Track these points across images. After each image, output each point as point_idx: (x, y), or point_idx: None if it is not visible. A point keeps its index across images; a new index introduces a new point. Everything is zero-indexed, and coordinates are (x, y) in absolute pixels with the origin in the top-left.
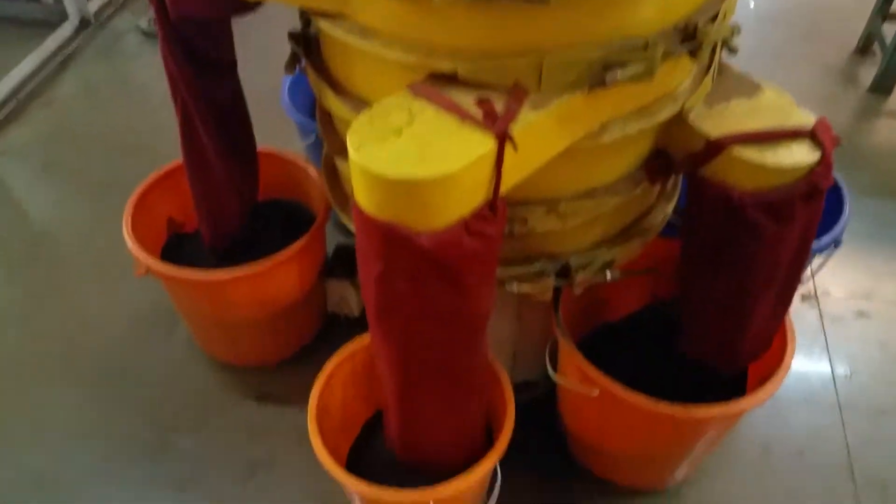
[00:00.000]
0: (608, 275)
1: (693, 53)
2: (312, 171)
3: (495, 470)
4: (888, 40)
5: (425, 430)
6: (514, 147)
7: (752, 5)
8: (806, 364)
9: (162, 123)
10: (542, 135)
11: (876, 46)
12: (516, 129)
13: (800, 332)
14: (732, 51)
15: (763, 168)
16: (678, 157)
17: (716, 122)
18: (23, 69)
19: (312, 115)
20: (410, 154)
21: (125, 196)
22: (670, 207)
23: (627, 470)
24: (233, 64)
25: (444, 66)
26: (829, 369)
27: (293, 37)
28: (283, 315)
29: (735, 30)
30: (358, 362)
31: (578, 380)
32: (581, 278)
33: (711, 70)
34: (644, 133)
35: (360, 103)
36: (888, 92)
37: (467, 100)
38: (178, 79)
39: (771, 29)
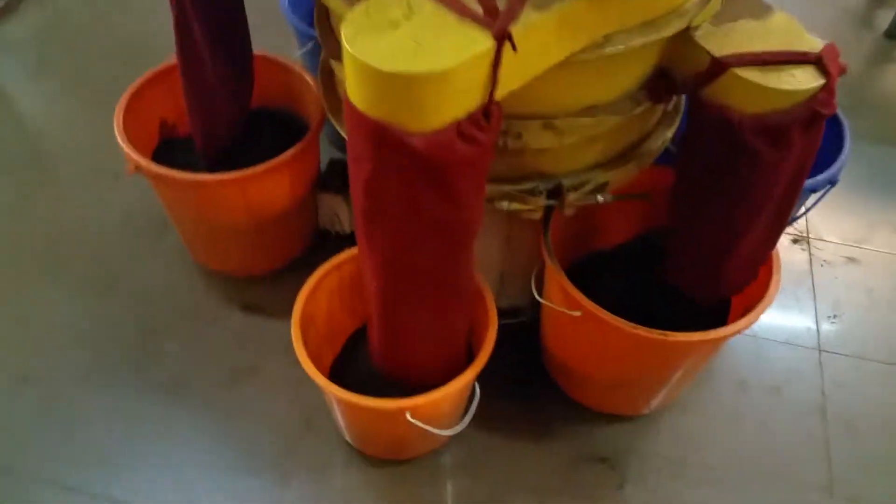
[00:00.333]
0: (599, 197)
1: None
2: (309, 78)
3: (474, 388)
4: None
5: (407, 342)
6: (514, 47)
7: None
8: (791, 305)
9: (160, 24)
10: (542, 38)
11: None
12: (516, 29)
13: (788, 274)
14: None
15: (765, 90)
16: (681, 78)
17: (721, 42)
18: None
19: (311, 23)
20: (406, 48)
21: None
22: (670, 133)
23: (604, 395)
24: None
25: None
26: (813, 312)
27: None
28: (272, 225)
29: None
30: (345, 273)
31: (560, 301)
32: (572, 198)
33: None
34: (648, 49)
35: None
36: None
37: None
38: None
39: None
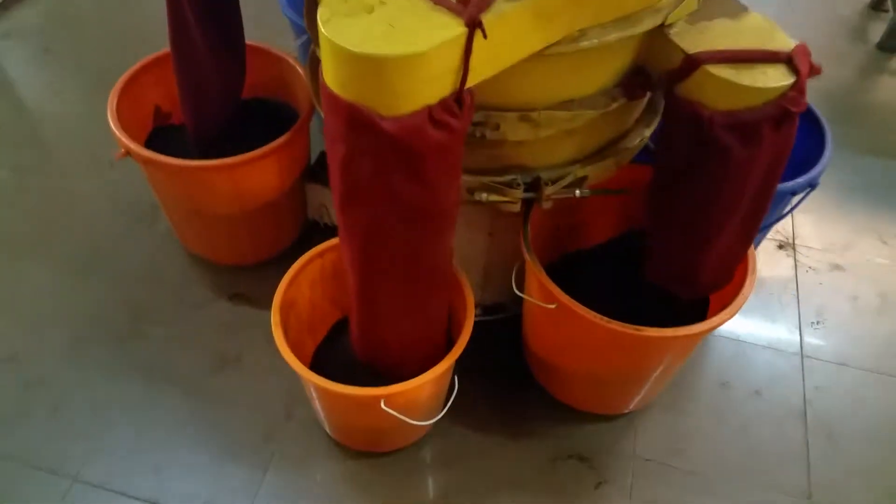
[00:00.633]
0: (577, 192)
1: None
2: (301, 69)
3: (453, 380)
4: None
5: (384, 329)
6: (484, 34)
7: None
8: (775, 310)
9: (164, 13)
10: (515, 28)
11: (889, 3)
12: (488, 18)
13: (772, 280)
14: None
15: (735, 87)
16: (656, 75)
17: (695, 39)
18: None
19: None
20: (379, 31)
21: None
22: (648, 132)
23: (583, 393)
24: None
25: None
26: (796, 318)
27: None
28: (260, 214)
29: None
30: (328, 262)
31: (538, 294)
32: (550, 191)
33: None
34: (624, 44)
35: None
36: (895, 50)
37: None
38: None
39: None
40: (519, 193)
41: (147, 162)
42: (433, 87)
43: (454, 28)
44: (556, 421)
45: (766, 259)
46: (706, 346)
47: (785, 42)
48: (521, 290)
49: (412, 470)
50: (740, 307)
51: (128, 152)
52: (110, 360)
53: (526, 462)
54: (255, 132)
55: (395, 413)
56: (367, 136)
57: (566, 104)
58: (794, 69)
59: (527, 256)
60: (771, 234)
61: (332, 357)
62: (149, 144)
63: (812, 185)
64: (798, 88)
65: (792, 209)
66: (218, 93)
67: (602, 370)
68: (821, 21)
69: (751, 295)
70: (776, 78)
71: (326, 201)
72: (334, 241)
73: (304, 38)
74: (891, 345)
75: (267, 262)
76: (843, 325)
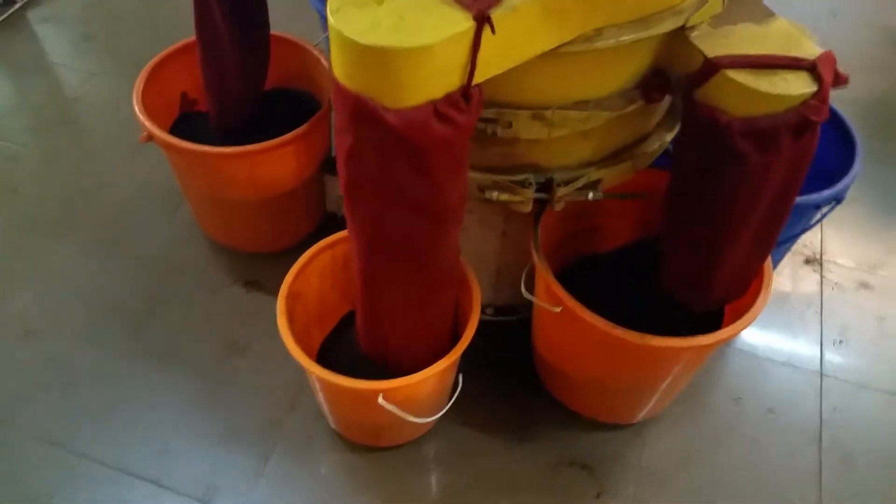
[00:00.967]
0: (591, 194)
1: None
2: (325, 60)
3: (457, 378)
4: None
5: (389, 324)
6: (492, 30)
7: None
8: (796, 326)
9: None
10: (526, 25)
11: None
12: (498, 13)
13: (796, 295)
14: None
15: (754, 93)
16: (675, 78)
17: (716, 43)
18: None
19: None
20: (386, 23)
21: None
22: (669, 137)
23: (589, 400)
24: None
25: None
26: (818, 336)
27: None
28: (277, 203)
29: None
30: (338, 253)
31: (544, 297)
32: (562, 193)
33: None
34: (641, 45)
35: None
36: None
37: None
38: None
39: None
40: (530, 193)
41: (167, 147)
42: (439, 81)
43: (463, 22)
44: (562, 426)
45: (792, 273)
46: (721, 359)
47: (811, 49)
48: (532, 293)
49: (413, 467)
50: (751, 321)
51: (150, 136)
52: (125, 340)
53: (527, 466)
54: (278, 122)
55: (393, 408)
56: (371, 128)
57: (581, 104)
58: (817, 77)
59: (535, 257)
60: (798, 247)
61: (338, 349)
62: (174, 130)
63: (838, 199)
64: (820, 97)
65: (816, 223)
66: (241, 83)
67: (608, 378)
68: (866, 31)
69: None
70: (798, 85)
71: None
72: (344, 232)
73: None
74: None
75: (285, 251)
76: (866, 346)
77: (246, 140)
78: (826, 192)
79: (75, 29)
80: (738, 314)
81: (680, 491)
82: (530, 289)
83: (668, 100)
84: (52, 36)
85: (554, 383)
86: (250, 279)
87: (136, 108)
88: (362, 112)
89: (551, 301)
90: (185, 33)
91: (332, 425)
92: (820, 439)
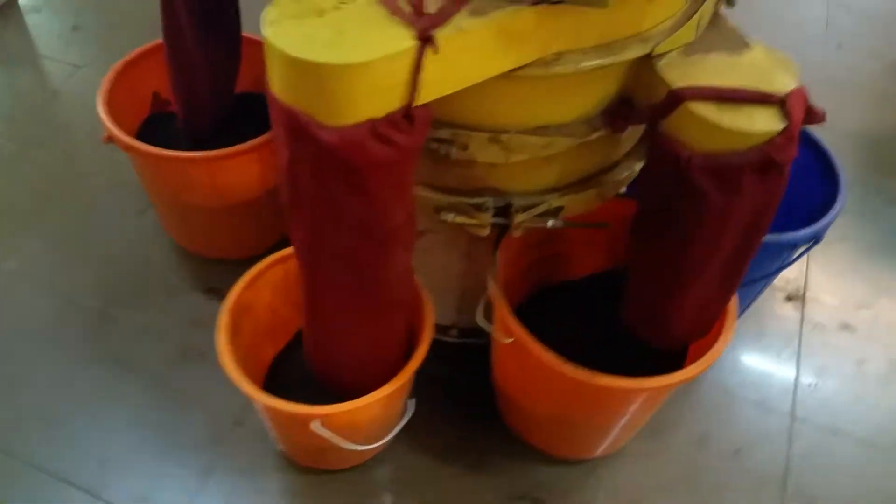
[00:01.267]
0: (550, 222)
1: None
2: None
3: (407, 404)
4: None
5: (334, 345)
6: (435, 50)
7: None
8: (771, 365)
9: None
10: (478, 46)
11: None
12: (444, 33)
13: (774, 333)
14: (730, 2)
15: (717, 128)
16: (642, 108)
17: (684, 73)
18: None
19: None
20: (322, 37)
21: None
22: (639, 167)
23: (544, 434)
24: None
25: None
26: (793, 377)
27: None
28: (242, 210)
29: None
30: (292, 267)
31: (499, 326)
32: (520, 219)
33: (696, 18)
34: (606, 72)
35: None
36: None
37: None
38: None
39: (843, 15)
40: (487, 218)
41: (127, 148)
42: (379, 99)
43: (404, 40)
44: (517, 458)
45: (772, 309)
46: (690, 395)
47: (783, 83)
48: (490, 320)
49: (359, 492)
50: (707, 366)
51: (110, 138)
52: (79, 341)
53: (477, 498)
54: (251, 126)
55: (329, 435)
56: (306, 145)
57: (541, 130)
58: (786, 114)
59: (490, 284)
60: (781, 282)
61: (291, 365)
62: (143, 129)
63: (817, 239)
64: (787, 136)
65: (794, 261)
66: (209, 85)
67: (561, 413)
68: (873, 64)
69: (746, 345)
70: (763, 122)
71: None
72: None
73: None
74: (893, 417)
75: (250, 259)
76: (843, 390)
77: (216, 144)
78: (804, 231)
79: (66, 20)
80: (703, 353)
81: None
82: (490, 316)
83: (640, 128)
84: (42, 26)
85: (509, 414)
86: (212, 286)
87: (100, 108)
88: (295, 127)
89: (504, 331)
90: None
91: (276, 444)
92: (785, 485)
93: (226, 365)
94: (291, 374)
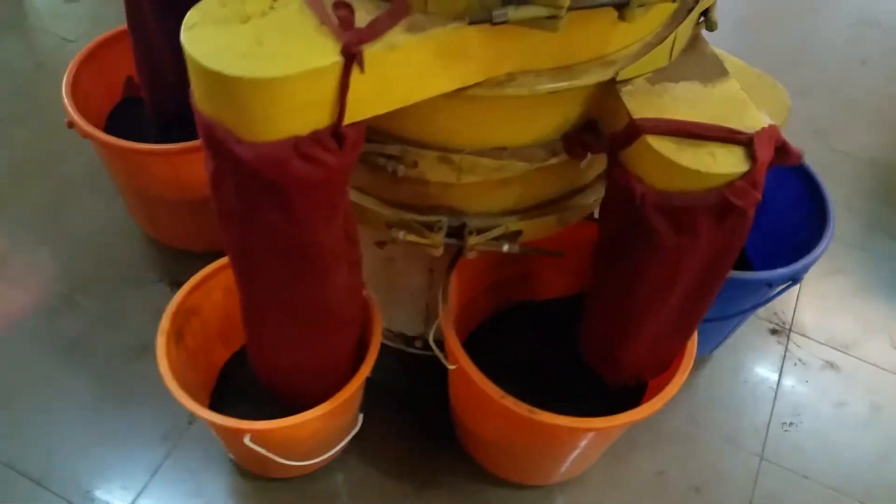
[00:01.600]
0: (506, 246)
1: (620, 10)
2: None
3: (357, 417)
4: None
5: (275, 358)
6: (361, 69)
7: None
8: (745, 401)
9: None
10: (413, 65)
11: None
12: (374, 50)
13: (753, 367)
14: (710, 26)
15: (673, 166)
16: (605, 135)
17: (648, 102)
18: None
19: None
20: (241, 47)
21: None
22: None
23: (496, 459)
24: None
25: None
26: (767, 415)
27: None
28: (205, 204)
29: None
30: None
31: (448, 349)
32: (474, 242)
33: (670, 42)
34: (566, 95)
35: None
36: None
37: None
38: None
39: (870, 30)
40: (439, 239)
41: (87, 136)
42: (302, 116)
43: (329, 55)
44: (468, 479)
45: (754, 342)
46: (656, 424)
47: (754, 120)
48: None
49: (304, 502)
50: (654, 410)
51: (71, 124)
52: (39, 327)
53: None
54: None
55: (262, 450)
56: (225, 159)
57: (496, 152)
58: (751, 155)
59: (440, 307)
60: (766, 314)
61: (243, 370)
62: (115, 113)
63: (794, 280)
64: (750, 179)
65: (771, 299)
66: (174, 74)
67: (508, 443)
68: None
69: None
70: (726, 163)
71: None
72: None
73: None
74: (868, 465)
75: (218, 252)
76: (818, 433)
77: (186, 133)
78: (781, 271)
79: None
80: (660, 388)
81: None
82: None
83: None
84: None
85: (462, 435)
86: (178, 279)
87: (64, 92)
88: (213, 139)
89: (449, 356)
90: None
91: (223, 447)
92: None
93: (161, 368)
94: (246, 378)
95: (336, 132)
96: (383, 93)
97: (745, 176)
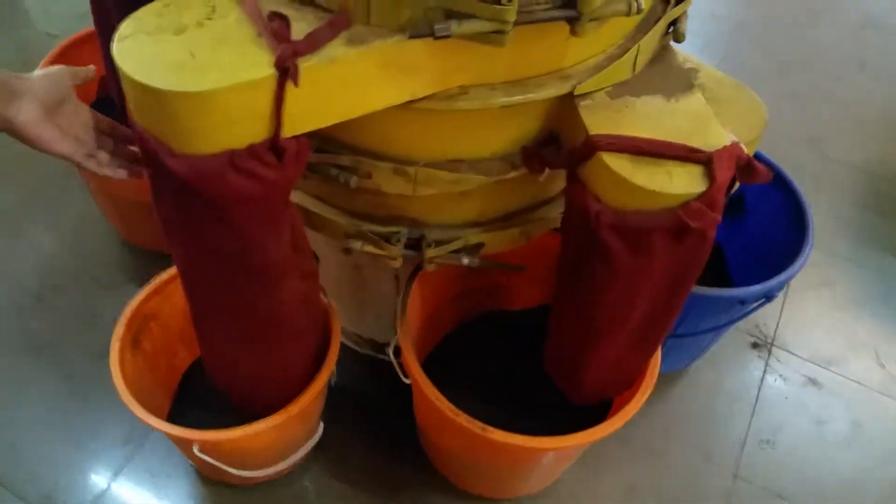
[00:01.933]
0: (465, 259)
1: (571, 24)
2: None
3: (319, 423)
4: None
5: (228, 368)
6: (295, 83)
7: None
8: (723, 417)
9: None
10: (355, 78)
11: None
12: (310, 64)
13: (731, 383)
14: (678, 38)
15: (629, 185)
16: (565, 150)
17: (606, 118)
18: None
19: None
20: (171, 59)
21: None
22: None
23: (457, 471)
24: None
25: None
26: (744, 432)
27: None
28: None
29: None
30: None
31: (403, 362)
32: (432, 254)
33: (632, 55)
34: (523, 109)
35: None
36: None
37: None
38: None
39: (871, 32)
40: (397, 251)
41: None
42: (236, 130)
43: (262, 69)
44: (435, 492)
45: (733, 357)
46: (628, 439)
47: (717, 138)
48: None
49: None
50: (612, 430)
51: None
52: (5, 322)
53: None
54: None
55: (211, 461)
56: (160, 171)
57: (453, 164)
58: (709, 176)
59: (398, 320)
60: (748, 326)
61: (205, 375)
62: None
63: (768, 298)
64: (707, 200)
65: (747, 315)
66: None
67: (468, 457)
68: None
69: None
70: (682, 183)
71: None
72: None
73: None
74: (847, 486)
75: None
76: (796, 452)
77: None
78: (754, 288)
79: None
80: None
81: None
82: None
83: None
84: None
85: (427, 447)
86: (149, 280)
87: None
88: (148, 152)
89: (406, 370)
90: None
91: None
92: None
93: (113, 373)
94: (208, 383)
95: (275, 146)
96: (324, 106)
97: (701, 197)
